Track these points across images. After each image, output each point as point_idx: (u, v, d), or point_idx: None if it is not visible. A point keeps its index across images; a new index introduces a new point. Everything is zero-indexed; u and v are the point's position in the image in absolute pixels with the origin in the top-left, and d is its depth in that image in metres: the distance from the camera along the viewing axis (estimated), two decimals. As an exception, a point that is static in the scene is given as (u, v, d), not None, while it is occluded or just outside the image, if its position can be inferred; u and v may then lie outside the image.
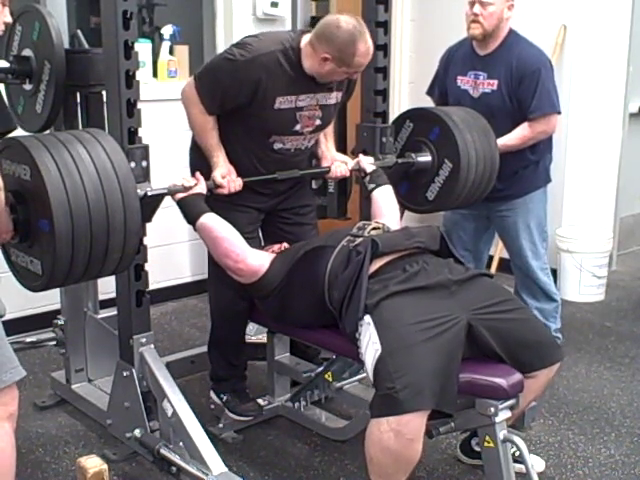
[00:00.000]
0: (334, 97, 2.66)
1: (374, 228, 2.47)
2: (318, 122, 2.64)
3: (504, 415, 2.13)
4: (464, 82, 3.24)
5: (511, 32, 3.19)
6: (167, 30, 4.13)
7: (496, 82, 3.14)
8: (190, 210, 2.43)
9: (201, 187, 2.46)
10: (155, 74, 4.11)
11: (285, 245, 2.63)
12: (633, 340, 3.76)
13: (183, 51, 4.22)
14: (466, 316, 2.14)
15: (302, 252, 2.43)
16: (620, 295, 4.42)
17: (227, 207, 2.53)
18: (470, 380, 2.11)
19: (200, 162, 2.57)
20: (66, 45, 2.67)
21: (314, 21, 3.18)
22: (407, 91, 5.12)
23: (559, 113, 3.18)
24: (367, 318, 2.14)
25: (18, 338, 3.07)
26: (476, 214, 3.33)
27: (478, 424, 2.16)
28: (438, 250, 2.42)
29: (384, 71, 2.98)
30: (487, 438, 2.14)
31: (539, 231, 3.29)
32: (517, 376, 2.14)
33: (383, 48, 2.95)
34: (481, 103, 3.14)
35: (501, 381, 2.10)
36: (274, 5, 4.30)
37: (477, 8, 3.10)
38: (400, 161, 2.97)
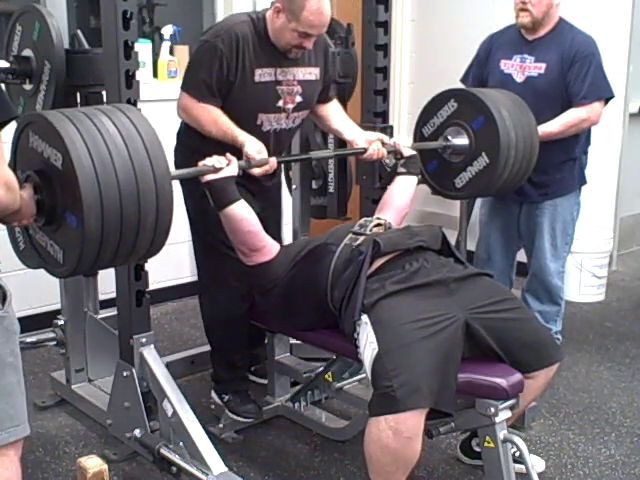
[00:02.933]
0: (312, 73, 2.66)
1: (376, 225, 2.47)
2: (299, 99, 2.63)
3: (504, 415, 2.13)
4: (508, 66, 3.16)
5: (561, 20, 3.13)
6: (167, 30, 4.12)
7: (544, 65, 3.07)
8: (220, 195, 2.29)
9: (233, 168, 2.30)
10: (155, 74, 4.11)
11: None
12: (633, 340, 3.76)
13: (183, 51, 4.22)
14: (464, 315, 2.14)
15: (305, 251, 2.43)
16: (620, 295, 4.42)
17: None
18: (470, 380, 2.11)
19: (187, 162, 2.49)
20: (66, 45, 2.67)
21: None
22: (407, 91, 5.12)
23: (607, 102, 3.12)
24: (365, 318, 2.15)
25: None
26: (512, 220, 3.30)
27: (478, 424, 2.16)
28: (439, 250, 2.42)
29: (384, 71, 2.98)
30: (487, 438, 2.14)
31: (563, 234, 3.25)
32: (517, 376, 2.14)
33: (383, 48, 2.96)
34: (526, 87, 3.06)
35: (501, 381, 2.10)
36: (274, 5, 4.29)
37: None
38: (437, 145, 2.88)
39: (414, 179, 2.75)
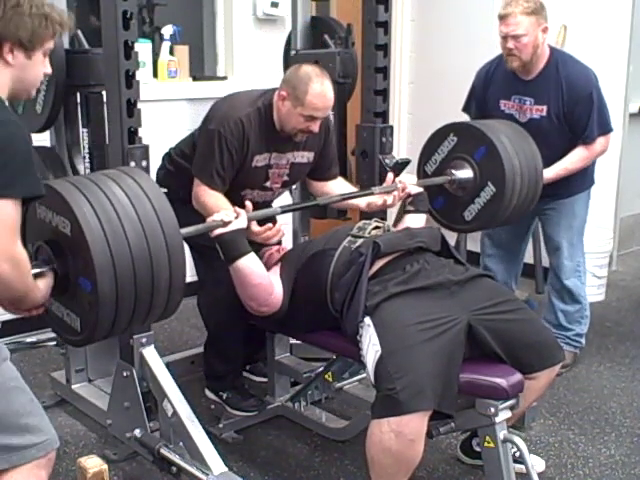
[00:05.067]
0: (305, 157, 2.74)
1: (375, 227, 2.47)
2: (286, 178, 2.73)
3: (504, 415, 2.13)
4: (509, 106, 3.17)
5: (552, 52, 3.12)
6: (167, 30, 4.12)
7: (545, 108, 3.08)
8: (230, 248, 2.28)
9: (242, 221, 2.28)
10: (155, 74, 4.11)
11: (283, 248, 2.63)
12: (633, 340, 3.76)
13: (183, 51, 4.22)
14: (466, 316, 2.14)
15: (303, 260, 2.43)
16: (620, 295, 4.42)
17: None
18: (470, 380, 2.11)
19: (173, 182, 2.61)
20: (66, 45, 2.67)
21: (314, 21, 3.19)
22: (407, 91, 5.12)
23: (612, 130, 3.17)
24: (367, 320, 2.14)
25: (18, 338, 3.07)
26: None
27: (478, 424, 2.16)
28: (439, 251, 2.42)
29: (384, 71, 2.98)
30: (487, 438, 2.14)
31: (579, 233, 3.31)
32: (517, 376, 2.14)
33: (383, 48, 2.95)
34: (529, 127, 3.04)
35: (501, 381, 2.10)
36: (274, 5, 4.30)
37: (510, 43, 3.01)
38: (442, 180, 2.85)
39: (423, 216, 2.74)
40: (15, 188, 1.54)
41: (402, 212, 2.74)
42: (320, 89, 2.50)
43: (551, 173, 3.07)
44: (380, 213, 2.96)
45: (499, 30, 3.06)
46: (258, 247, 2.61)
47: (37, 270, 1.79)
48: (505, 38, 3.03)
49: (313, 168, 2.82)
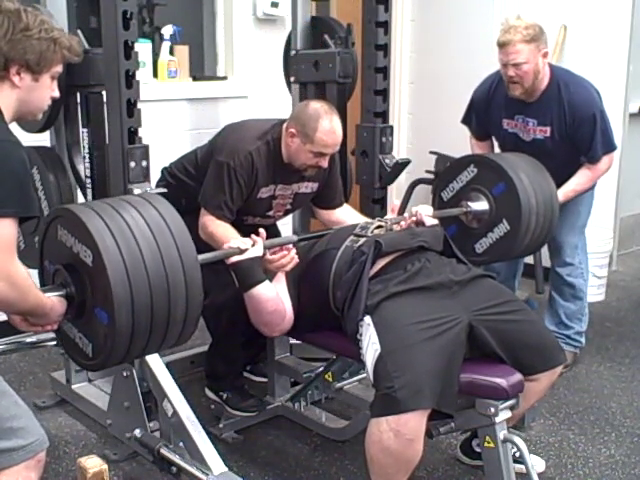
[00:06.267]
0: (309, 187, 2.78)
1: (377, 227, 2.47)
2: (288, 207, 2.79)
3: (504, 415, 2.13)
4: (512, 125, 3.17)
5: (553, 72, 3.10)
6: (167, 30, 4.12)
7: (549, 129, 3.08)
8: (246, 276, 2.30)
9: (258, 249, 2.29)
10: (155, 74, 4.11)
11: (289, 248, 2.63)
12: (633, 340, 3.76)
13: (183, 51, 4.22)
14: (467, 317, 2.14)
15: (306, 263, 2.43)
16: (620, 295, 4.42)
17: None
18: (470, 380, 2.11)
19: (179, 193, 2.61)
20: (66, 45, 2.67)
21: (314, 21, 3.19)
22: (407, 91, 5.12)
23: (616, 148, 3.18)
24: (367, 319, 2.15)
25: (18, 338, 3.07)
26: None
27: (478, 424, 2.16)
28: (442, 251, 2.42)
29: (384, 71, 2.98)
30: (487, 438, 2.14)
31: (582, 232, 3.33)
32: (517, 376, 2.14)
33: (383, 48, 2.95)
34: (533, 146, 3.07)
35: (501, 381, 2.10)
36: (274, 5, 4.30)
37: (511, 71, 3.00)
38: (457, 212, 2.85)
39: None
40: (11, 207, 1.56)
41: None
42: (329, 126, 2.54)
43: (560, 195, 3.06)
44: (380, 214, 2.98)
45: (499, 58, 3.05)
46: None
47: (54, 293, 1.80)
48: (505, 66, 3.02)
49: (318, 197, 2.86)
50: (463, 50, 4.57)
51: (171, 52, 4.15)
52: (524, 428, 2.77)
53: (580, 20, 4.32)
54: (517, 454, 2.20)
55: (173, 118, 4.02)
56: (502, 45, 3.00)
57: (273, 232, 2.94)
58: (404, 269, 2.25)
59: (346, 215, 2.89)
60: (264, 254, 2.33)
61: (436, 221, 2.69)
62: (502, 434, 2.12)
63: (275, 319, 2.39)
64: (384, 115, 3.02)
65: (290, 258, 2.40)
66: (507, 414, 2.14)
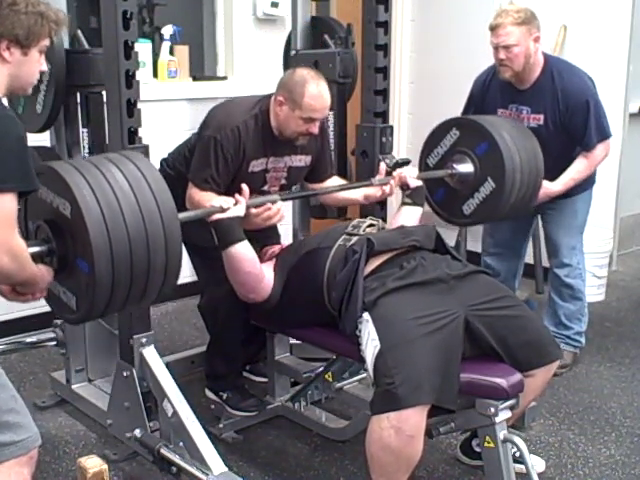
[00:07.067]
0: (303, 161, 2.76)
1: (369, 225, 2.48)
2: (283, 182, 2.76)
3: (504, 415, 2.13)
4: (506, 115, 3.17)
5: (547, 61, 3.11)
6: (167, 30, 4.12)
7: (542, 117, 3.09)
8: (225, 234, 2.32)
9: (240, 209, 2.31)
10: (155, 74, 4.11)
11: (284, 245, 2.63)
12: (633, 340, 3.76)
13: (183, 51, 4.22)
14: (463, 312, 2.14)
15: (297, 258, 2.44)
16: (620, 295, 4.42)
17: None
18: (470, 380, 2.11)
19: (178, 183, 2.56)
20: (66, 45, 2.67)
21: (314, 21, 3.19)
22: (407, 91, 5.12)
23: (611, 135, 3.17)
24: (366, 315, 2.15)
25: (18, 338, 3.07)
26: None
27: (478, 424, 2.16)
28: (434, 249, 2.42)
29: (384, 71, 2.98)
30: (487, 438, 2.14)
31: (580, 232, 3.33)
32: (517, 376, 2.14)
33: (383, 48, 2.95)
34: None
35: (501, 381, 2.10)
36: (274, 5, 4.30)
37: (502, 53, 3.02)
38: (442, 174, 2.87)
39: (419, 209, 2.75)
40: (12, 182, 1.58)
41: (400, 204, 2.76)
42: (317, 90, 2.53)
43: (559, 185, 3.09)
44: (380, 213, 2.98)
45: (490, 41, 3.07)
46: (259, 247, 2.63)
47: (36, 249, 1.83)
48: (497, 49, 3.04)
49: (310, 171, 2.83)
50: (463, 50, 4.57)
51: (171, 52, 4.16)
52: (524, 428, 2.76)
53: (580, 20, 4.31)
54: (517, 454, 2.20)
55: (173, 118, 4.02)
56: (493, 28, 3.04)
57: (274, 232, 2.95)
58: (400, 267, 2.26)
59: (337, 184, 2.87)
60: (247, 214, 2.34)
61: (420, 182, 2.74)
62: (502, 434, 2.12)
63: (250, 280, 2.41)
64: (384, 115, 3.02)
65: (276, 210, 2.41)
66: (507, 414, 2.15)
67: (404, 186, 2.72)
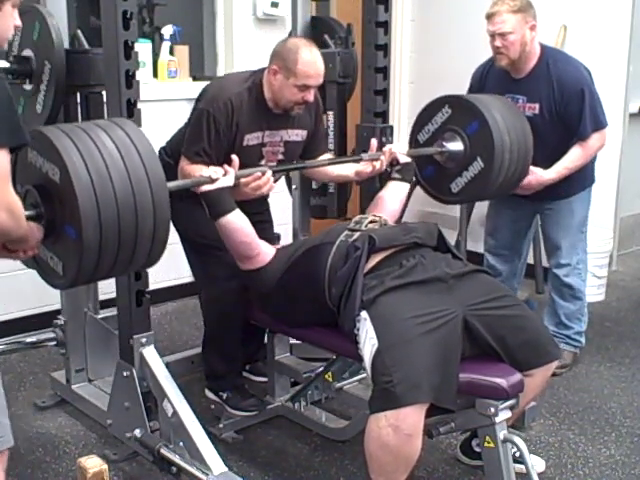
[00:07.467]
0: (299, 135, 2.76)
1: (371, 221, 2.48)
2: (280, 157, 2.74)
3: (504, 415, 2.13)
4: None
5: (544, 50, 3.12)
6: (167, 30, 4.13)
7: (537, 106, 3.09)
8: (215, 205, 2.34)
9: (229, 179, 2.33)
10: (155, 74, 4.11)
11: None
12: (633, 340, 3.76)
13: (183, 51, 4.22)
14: (462, 311, 2.14)
15: (300, 251, 2.44)
16: (620, 295, 4.42)
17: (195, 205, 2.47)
18: (470, 380, 2.11)
19: (176, 172, 2.58)
20: (66, 45, 2.67)
21: (314, 21, 3.19)
22: (407, 91, 5.12)
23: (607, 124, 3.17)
24: (364, 314, 2.15)
25: (18, 338, 3.07)
26: (520, 214, 3.36)
27: (478, 424, 2.16)
28: (436, 246, 2.42)
29: (384, 71, 2.98)
30: (487, 438, 2.14)
31: (579, 231, 3.32)
32: (517, 376, 2.14)
33: (383, 48, 2.95)
34: None
35: (501, 381, 2.10)
36: (274, 5, 4.30)
37: (498, 41, 3.04)
38: (432, 151, 2.90)
39: (407, 185, 2.78)
40: (2, 137, 1.56)
41: (388, 179, 2.78)
42: (310, 56, 2.54)
43: (553, 173, 3.09)
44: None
45: (487, 29, 3.09)
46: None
47: (25, 213, 1.80)
48: (493, 37, 3.06)
49: (305, 147, 2.83)
50: (463, 50, 4.57)
51: (171, 52, 4.16)
52: (524, 428, 2.76)
53: (580, 20, 4.32)
54: (517, 454, 2.20)
55: (173, 118, 3.99)
56: (489, 16, 3.07)
57: (266, 215, 2.95)
58: (399, 265, 2.25)
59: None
60: (237, 184, 2.36)
61: (409, 159, 2.77)
62: (502, 434, 2.12)
63: (244, 250, 2.43)
64: (384, 115, 3.02)
65: (266, 179, 2.43)
66: (507, 414, 2.15)
67: (393, 161, 2.76)
